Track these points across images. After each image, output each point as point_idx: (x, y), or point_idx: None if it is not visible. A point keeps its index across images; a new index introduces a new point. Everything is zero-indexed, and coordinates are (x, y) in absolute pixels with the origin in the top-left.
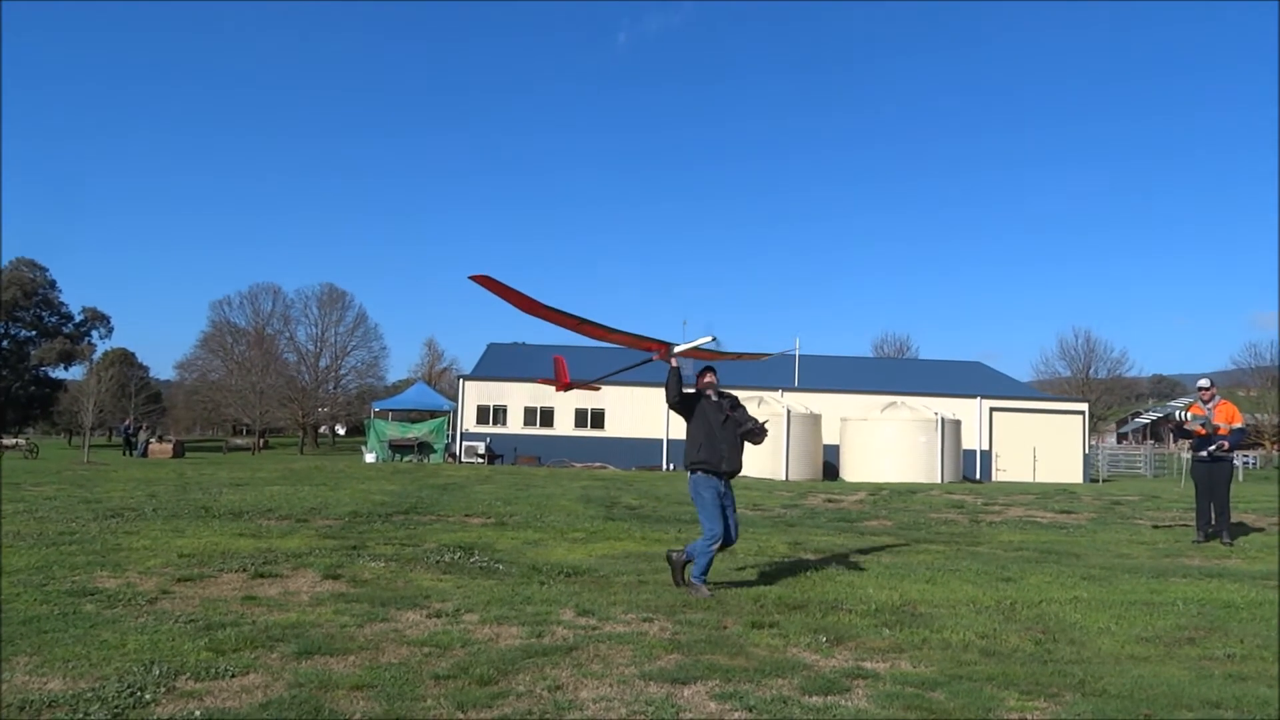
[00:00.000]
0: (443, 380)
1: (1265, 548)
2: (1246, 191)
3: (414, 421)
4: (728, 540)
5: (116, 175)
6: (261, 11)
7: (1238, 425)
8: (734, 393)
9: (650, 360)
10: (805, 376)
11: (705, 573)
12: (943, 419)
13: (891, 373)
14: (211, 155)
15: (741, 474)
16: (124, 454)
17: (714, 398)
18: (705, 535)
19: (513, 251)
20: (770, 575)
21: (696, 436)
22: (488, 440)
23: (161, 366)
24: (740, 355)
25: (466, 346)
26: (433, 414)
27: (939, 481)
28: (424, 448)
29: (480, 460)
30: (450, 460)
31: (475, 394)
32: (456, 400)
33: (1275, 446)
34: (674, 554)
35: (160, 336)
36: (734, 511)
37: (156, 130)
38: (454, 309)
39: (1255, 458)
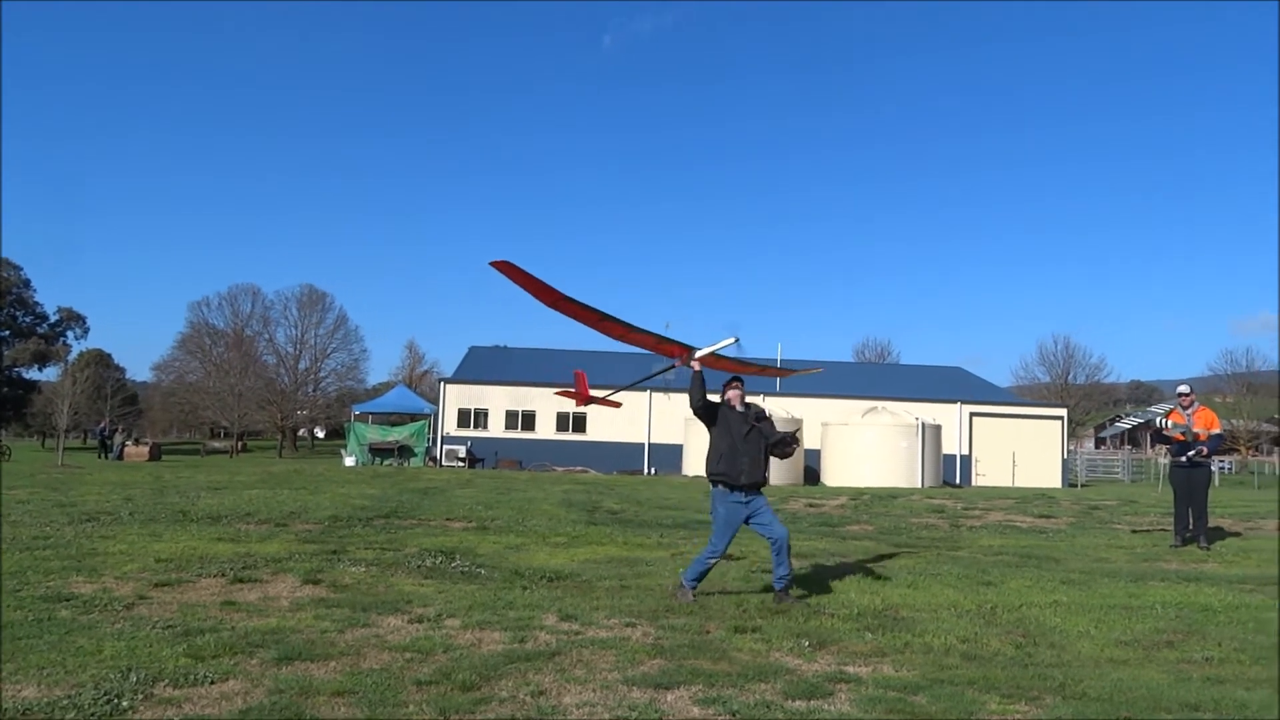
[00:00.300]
0: (423, 383)
1: (1241, 552)
2: (1225, 198)
3: (394, 425)
4: (778, 539)
5: (114, 175)
6: (261, 11)
7: (1216, 431)
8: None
9: (673, 367)
10: (786, 380)
11: (697, 581)
12: (923, 424)
13: (873, 378)
14: (210, 155)
15: None
16: (99, 457)
17: (738, 408)
18: (709, 547)
19: (511, 252)
20: (752, 580)
21: (719, 447)
22: (468, 444)
23: (138, 368)
24: (763, 369)
25: (448, 349)
26: (413, 417)
27: (919, 486)
28: (404, 451)
29: (461, 464)
30: (431, 464)
31: (456, 397)
32: (437, 403)
33: (1250, 452)
34: (781, 592)
35: (137, 338)
36: (768, 513)
37: (156, 130)
38: (436, 311)
39: (1230, 463)
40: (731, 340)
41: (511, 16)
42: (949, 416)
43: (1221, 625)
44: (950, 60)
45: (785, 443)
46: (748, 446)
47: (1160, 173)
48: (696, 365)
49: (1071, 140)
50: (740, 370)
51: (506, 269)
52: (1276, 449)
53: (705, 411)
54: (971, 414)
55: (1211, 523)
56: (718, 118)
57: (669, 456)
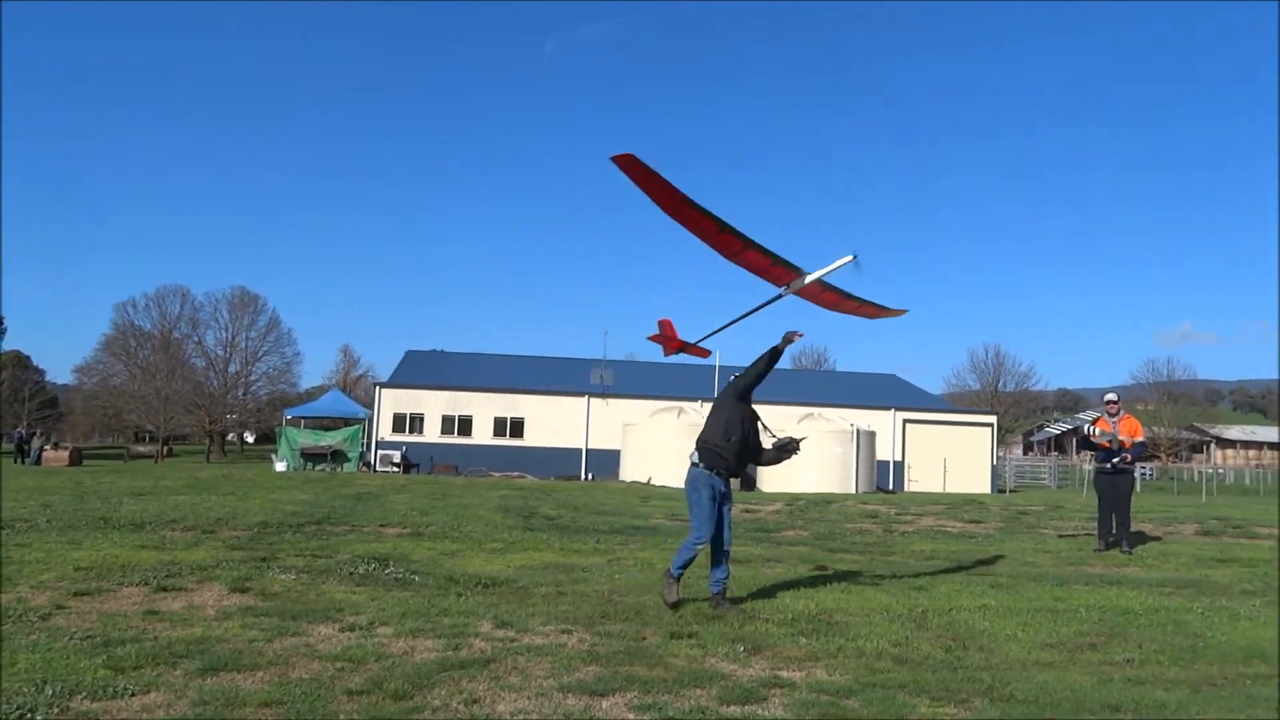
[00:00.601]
0: (358, 387)
1: (1161, 555)
2: (1158, 208)
3: (328, 429)
4: (721, 549)
5: (114, 175)
6: (261, 11)
7: (1139, 439)
8: (662, 402)
9: (781, 296)
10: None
11: (683, 569)
12: (858, 430)
13: (808, 384)
14: (210, 155)
15: (659, 484)
16: (16, 461)
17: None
18: (692, 535)
19: (511, 250)
20: (688, 586)
21: (733, 421)
22: (404, 449)
23: (59, 370)
24: (862, 305)
25: (383, 353)
26: (347, 422)
27: (854, 492)
28: (338, 456)
29: (396, 469)
30: (365, 469)
31: (391, 402)
32: (372, 408)
33: (1170, 459)
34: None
35: (59, 339)
36: (728, 515)
37: (158, 130)
38: (372, 315)
39: (1151, 469)
40: (849, 259)
41: (511, 16)
42: (883, 423)
43: (1142, 628)
44: (933, 65)
45: (789, 449)
46: (750, 435)
47: (1079, 186)
48: (792, 292)
49: (1016, 153)
50: (842, 303)
51: (627, 163)
52: (1195, 456)
53: (770, 368)
54: (905, 420)
55: (1133, 528)
56: (718, 118)
57: (606, 462)
